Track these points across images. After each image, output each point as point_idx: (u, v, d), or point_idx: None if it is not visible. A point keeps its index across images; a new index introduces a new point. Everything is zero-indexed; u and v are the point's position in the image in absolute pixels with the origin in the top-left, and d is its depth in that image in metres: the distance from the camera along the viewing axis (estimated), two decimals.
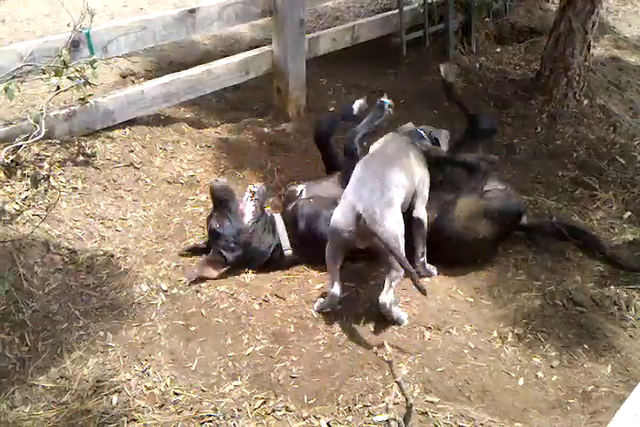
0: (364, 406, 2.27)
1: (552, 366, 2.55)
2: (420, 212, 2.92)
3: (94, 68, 3.09)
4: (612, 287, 2.92)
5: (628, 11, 6.37)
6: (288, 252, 2.91)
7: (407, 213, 2.84)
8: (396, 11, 4.72)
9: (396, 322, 2.66)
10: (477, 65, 4.92)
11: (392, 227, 2.54)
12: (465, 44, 5.05)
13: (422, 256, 2.95)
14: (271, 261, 2.91)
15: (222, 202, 2.85)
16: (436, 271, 2.99)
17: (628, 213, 3.48)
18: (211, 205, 3.19)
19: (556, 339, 2.66)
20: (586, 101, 4.32)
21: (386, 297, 2.59)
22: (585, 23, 4.10)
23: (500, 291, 2.92)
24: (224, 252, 2.81)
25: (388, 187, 2.64)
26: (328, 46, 4.38)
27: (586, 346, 2.63)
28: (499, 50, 5.16)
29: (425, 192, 2.96)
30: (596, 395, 2.42)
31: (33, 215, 2.77)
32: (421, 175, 2.94)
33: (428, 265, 2.97)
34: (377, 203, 2.55)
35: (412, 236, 2.86)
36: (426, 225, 2.92)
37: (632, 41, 5.70)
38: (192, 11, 3.55)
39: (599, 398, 2.41)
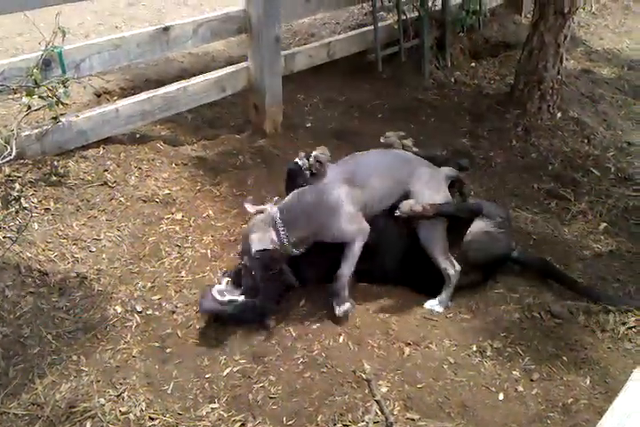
0: (344, 425, 2.26)
1: (532, 380, 2.54)
2: None
3: (66, 88, 3.06)
4: None
5: (599, 24, 6.50)
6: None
7: None
8: (372, 27, 4.76)
9: None
10: (452, 79, 4.97)
11: None
12: (440, 58, 5.09)
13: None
14: None
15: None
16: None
17: (604, 224, 3.51)
18: (187, 224, 3.17)
19: (535, 352, 2.66)
20: (560, 114, 4.37)
21: None
22: (557, 37, 4.16)
23: (479, 304, 2.91)
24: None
25: None
26: (304, 63, 4.40)
27: (565, 358, 2.63)
28: (473, 64, 5.22)
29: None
30: (575, 408, 2.42)
31: (4, 238, 2.71)
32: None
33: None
34: None
35: None
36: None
37: (604, 54, 5.80)
38: (166, 28, 3.54)
39: (579, 410, 2.41)
